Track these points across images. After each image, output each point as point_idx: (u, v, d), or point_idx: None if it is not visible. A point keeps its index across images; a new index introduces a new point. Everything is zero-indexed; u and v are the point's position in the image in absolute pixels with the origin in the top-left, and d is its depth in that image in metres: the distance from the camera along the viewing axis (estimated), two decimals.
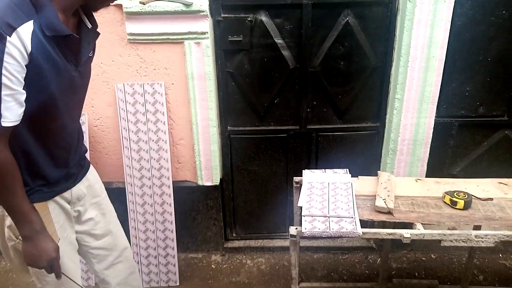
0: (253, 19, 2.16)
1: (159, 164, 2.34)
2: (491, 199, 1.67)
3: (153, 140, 2.31)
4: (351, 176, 1.86)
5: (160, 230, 2.41)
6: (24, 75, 1.08)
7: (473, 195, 1.65)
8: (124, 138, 2.31)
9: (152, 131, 2.31)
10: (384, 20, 2.16)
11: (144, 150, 2.32)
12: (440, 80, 2.16)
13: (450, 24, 2.04)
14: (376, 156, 2.47)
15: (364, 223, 1.51)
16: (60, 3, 1.12)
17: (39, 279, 1.40)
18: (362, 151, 2.48)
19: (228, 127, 2.44)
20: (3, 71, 1.03)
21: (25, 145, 1.22)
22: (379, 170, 2.47)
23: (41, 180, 1.30)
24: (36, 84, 1.12)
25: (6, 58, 1.03)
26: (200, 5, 2.02)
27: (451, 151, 2.40)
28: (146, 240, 2.40)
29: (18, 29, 1.03)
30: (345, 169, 1.93)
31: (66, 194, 1.41)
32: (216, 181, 2.46)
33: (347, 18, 2.16)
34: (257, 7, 2.15)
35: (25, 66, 1.07)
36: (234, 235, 2.74)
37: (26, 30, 1.05)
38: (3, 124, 1.08)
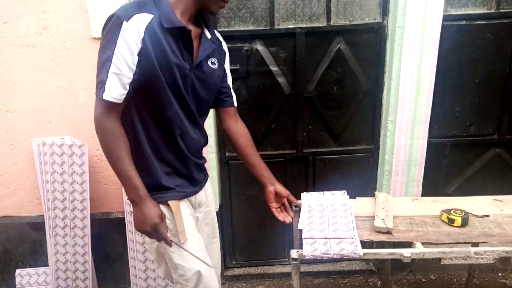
0: (249, 48, 2.24)
1: None
2: (488, 215, 1.70)
3: None
4: (349, 198, 1.88)
5: None
6: (136, 61, 1.21)
7: (469, 213, 1.68)
8: None
9: None
10: (375, 45, 2.25)
11: None
12: (431, 102, 2.22)
13: (438, 47, 2.13)
14: (372, 177, 2.51)
15: (363, 245, 1.53)
16: (178, 7, 1.28)
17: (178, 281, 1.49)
18: (358, 173, 2.52)
19: (227, 153, 2.47)
20: (115, 51, 1.18)
21: (151, 134, 1.36)
22: (376, 191, 2.50)
23: (174, 177, 1.43)
24: (148, 72, 1.24)
25: (120, 40, 1.18)
26: None
27: (445, 171, 2.45)
28: (145, 270, 2.38)
29: (135, 16, 1.19)
30: (343, 191, 1.95)
31: (192, 198, 1.52)
32: (215, 208, 2.47)
33: (339, 45, 2.24)
34: (252, 37, 2.23)
35: (137, 53, 1.20)
36: (233, 262, 2.73)
37: (143, 19, 1.21)
38: (104, 97, 1.22)
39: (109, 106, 1.25)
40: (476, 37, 2.18)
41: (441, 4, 2.05)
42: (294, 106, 2.37)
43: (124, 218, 2.37)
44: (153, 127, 1.35)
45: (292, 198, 1.68)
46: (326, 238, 1.56)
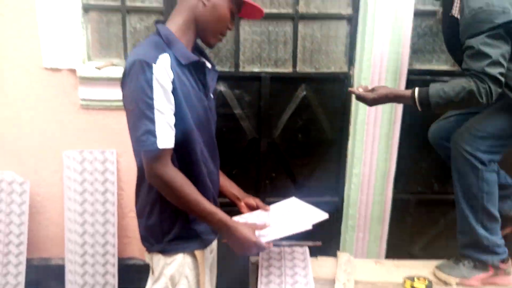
0: None
1: (105, 239, 2.15)
2: (451, 284, 1.62)
3: (100, 212, 2.15)
4: (310, 255, 1.76)
5: None
6: (173, 101, 1.19)
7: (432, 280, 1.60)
8: (68, 209, 2.14)
9: (99, 202, 2.15)
10: (340, 95, 2.21)
11: (89, 223, 2.14)
12: (396, 157, 2.18)
13: None
14: (335, 232, 2.39)
15: None
16: (184, 40, 1.26)
17: None
18: (321, 226, 2.39)
19: None
20: (154, 96, 1.14)
21: None
22: (339, 248, 2.38)
23: (198, 223, 1.34)
24: (179, 112, 1.21)
25: (155, 83, 1.14)
26: None
27: (410, 229, 2.37)
28: None
29: (160, 57, 1.16)
30: (303, 247, 1.82)
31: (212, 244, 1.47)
32: None
33: (305, 92, 2.19)
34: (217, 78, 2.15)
35: (171, 92, 1.18)
36: None
37: (166, 59, 1.18)
38: (160, 146, 1.16)
39: (164, 154, 1.19)
40: None
41: (406, 58, 2.05)
42: (257, 151, 2.27)
43: (63, 265, 2.16)
44: (180, 169, 1.27)
45: (261, 204, 1.62)
46: None
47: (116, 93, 2.02)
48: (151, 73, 1.13)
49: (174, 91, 1.19)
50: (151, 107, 1.14)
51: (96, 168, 2.14)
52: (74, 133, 2.11)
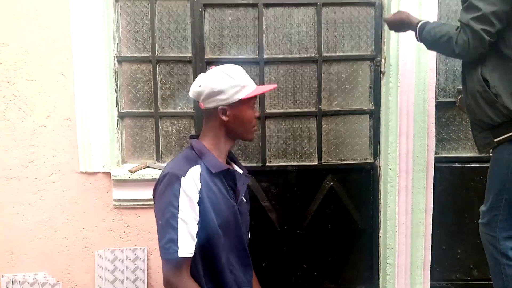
0: None
1: None
2: None
3: None
4: None
5: None
6: (198, 211, 1.24)
7: None
8: None
9: None
10: (367, 185, 2.21)
11: None
12: (430, 245, 2.12)
13: (432, 190, 2.09)
14: None
15: None
16: (215, 151, 1.36)
17: None
18: None
19: None
20: (180, 206, 1.21)
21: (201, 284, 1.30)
22: None
23: None
24: (204, 219, 1.26)
25: (182, 195, 1.22)
26: None
27: None
28: None
29: (189, 170, 1.26)
30: None
31: None
32: None
33: (331, 183, 2.20)
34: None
35: (197, 203, 1.24)
36: None
37: (196, 171, 1.27)
38: (181, 255, 1.21)
39: (183, 264, 1.24)
40: (470, 179, 2.16)
41: (432, 147, 2.07)
42: (287, 243, 2.25)
43: None
44: (205, 275, 1.31)
45: None
46: None
47: (147, 194, 2.09)
48: (179, 185, 1.22)
49: (200, 200, 1.25)
50: (175, 217, 1.21)
51: (127, 266, 2.14)
52: (106, 232, 2.15)
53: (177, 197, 1.21)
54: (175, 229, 1.21)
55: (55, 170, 2.09)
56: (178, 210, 1.21)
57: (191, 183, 1.24)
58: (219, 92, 1.30)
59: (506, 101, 1.44)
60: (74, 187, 2.10)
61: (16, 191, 2.09)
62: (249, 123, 1.37)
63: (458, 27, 1.49)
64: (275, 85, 1.50)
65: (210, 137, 1.37)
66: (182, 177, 1.23)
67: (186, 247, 1.22)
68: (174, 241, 1.20)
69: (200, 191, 1.25)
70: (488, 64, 1.48)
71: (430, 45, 1.62)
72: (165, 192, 1.23)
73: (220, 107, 1.31)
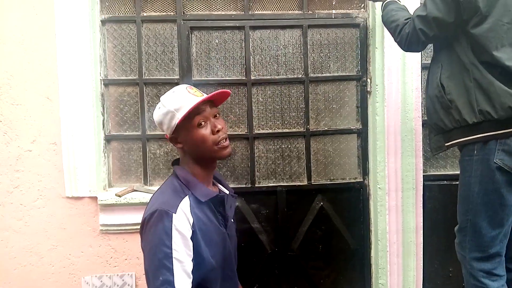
0: None
1: None
2: None
3: None
4: None
5: None
6: (192, 247, 1.19)
7: None
8: None
9: None
10: (357, 204, 2.20)
11: None
12: (422, 264, 2.11)
13: (422, 208, 2.09)
14: None
15: None
16: (200, 177, 1.31)
17: None
18: None
19: None
20: (173, 246, 1.15)
21: None
22: None
23: None
24: (199, 252, 1.21)
25: (174, 233, 1.16)
26: None
27: None
28: None
29: (179, 205, 1.20)
30: None
31: None
32: None
33: (321, 203, 2.19)
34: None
35: (190, 238, 1.19)
36: None
37: (186, 205, 1.22)
38: None
39: None
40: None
41: (420, 166, 2.07)
42: (277, 265, 2.21)
43: None
44: None
45: None
46: None
47: (134, 218, 2.06)
48: (170, 222, 1.16)
49: (193, 235, 1.20)
50: (168, 257, 1.14)
51: None
52: (93, 258, 2.10)
53: (169, 236, 1.15)
54: (170, 270, 1.14)
55: (40, 195, 2.05)
56: (171, 249, 1.15)
57: (183, 219, 1.19)
58: (160, 124, 1.30)
59: (460, 108, 1.47)
60: (60, 212, 2.06)
61: (0, 217, 2.05)
62: (204, 142, 1.26)
63: (409, 18, 1.58)
64: (220, 91, 1.31)
65: (187, 163, 1.32)
66: (173, 214, 1.17)
67: (183, 287, 1.16)
68: (171, 283, 1.14)
69: (193, 225, 1.21)
70: (446, 71, 1.52)
71: (384, 24, 1.75)
72: (156, 230, 1.16)
73: (169, 137, 1.31)
